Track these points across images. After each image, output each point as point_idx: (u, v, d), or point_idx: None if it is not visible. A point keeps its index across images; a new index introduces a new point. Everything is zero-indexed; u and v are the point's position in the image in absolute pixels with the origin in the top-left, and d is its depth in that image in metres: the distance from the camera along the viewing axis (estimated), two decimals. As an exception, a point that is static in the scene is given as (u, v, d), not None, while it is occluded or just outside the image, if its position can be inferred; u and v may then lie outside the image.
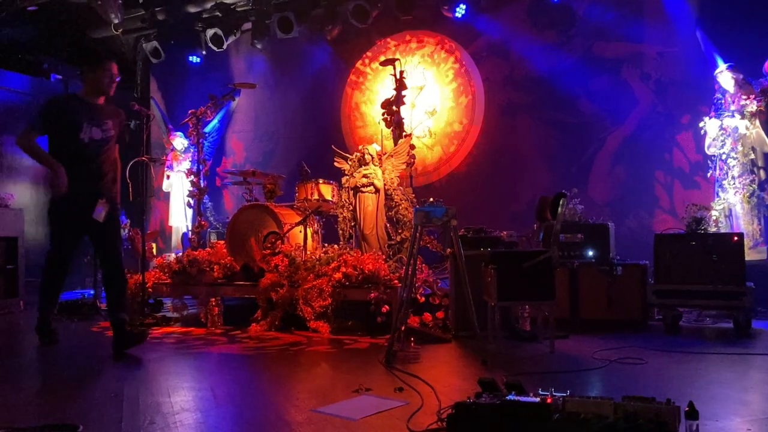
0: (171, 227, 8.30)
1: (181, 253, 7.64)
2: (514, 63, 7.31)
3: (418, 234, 3.78)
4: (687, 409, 2.14)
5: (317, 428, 2.41)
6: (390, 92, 5.70)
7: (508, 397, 2.21)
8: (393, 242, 5.25)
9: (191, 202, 6.10)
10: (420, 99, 7.68)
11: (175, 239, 8.21)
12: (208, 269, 5.37)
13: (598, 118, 6.83)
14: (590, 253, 4.93)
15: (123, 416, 2.60)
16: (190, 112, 6.01)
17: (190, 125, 5.99)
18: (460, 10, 7.26)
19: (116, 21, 7.88)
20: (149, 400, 2.86)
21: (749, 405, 2.70)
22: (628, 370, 3.35)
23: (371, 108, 8.06)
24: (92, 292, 6.34)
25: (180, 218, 8.08)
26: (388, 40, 8.05)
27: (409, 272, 3.79)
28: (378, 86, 8.08)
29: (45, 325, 4.24)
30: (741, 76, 5.59)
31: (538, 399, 2.16)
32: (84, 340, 4.74)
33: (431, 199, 3.72)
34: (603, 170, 6.76)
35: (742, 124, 5.48)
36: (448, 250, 4.45)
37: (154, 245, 7.22)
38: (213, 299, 5.12)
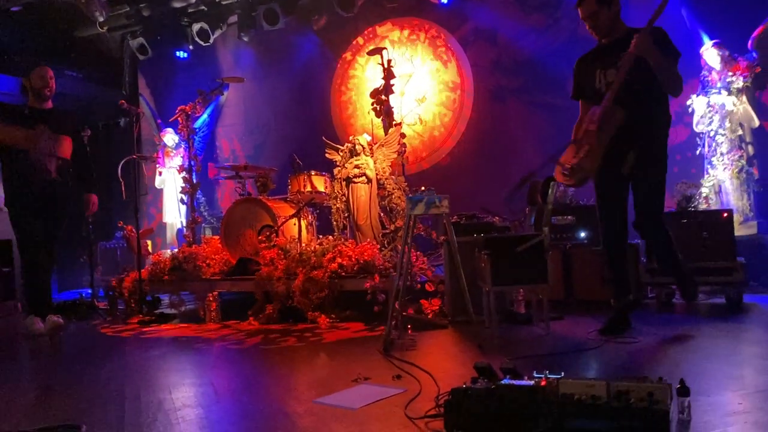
0: (165, 224, 8.31)
1: (176, 249, 7.68)
2: (502, 47, 7.32)
3: (411, 223, 3.80)
4: (678, 386, 2.19)
5: (317, 419, 2.45)
6: (379, 81, 5.71)
7: (503, 381, 2.24)
8: (387, 231, 5.28)
9: (184, 198, 6.11)
10: (409, 87, 7.70)
11: (170, 235, 8.23)
12: (204, 265, 5.40)
13: (586, 100, 6.83)
14: (582, 234, 4.98)
15: (125, 414, 2.64)
16: (179, 108, 6.01)
17: (180, 121, 5.99)
18: (446, -4, 7.25)
19: (101, 19, 7.84)
20: (151, 397, 2.89)
21: (741, 379, 2.75)
22: (623, 350, 3.40)
23: (361, 97, 8.06)
24: (89, 291, 6.36)
25: (174, 214, 8.09)
26: (375, 28, 8.04)
27: (404, 261, 3.82)
28: (367, 75, 8.08)
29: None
30: (727, 53, 5.62)
31: (532, 382, 2.20)
32: (82, 339, 4.75)
33: (423, 188, 3.75)
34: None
35: (729, 101, 5.52)
36: (442, 237, 4.49)
37: (149, 242, 7.23)
38: (210, 294, 5.15)
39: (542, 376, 2.30)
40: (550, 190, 3.82)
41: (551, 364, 3.10)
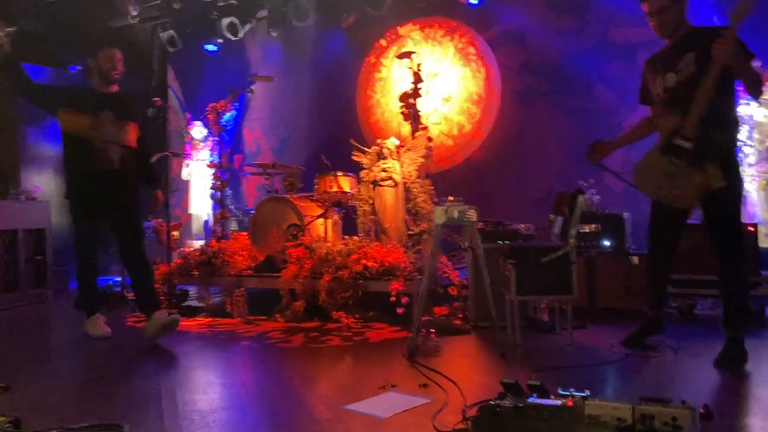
0: (191, 215, 8.46)
1: (202, 241, 7.83)
2: (530, 49, 7.31)
3: (438, 233, 3.88)
4: (702, 410, 2.25)
5: (347, 427, 2.54)
6: (406, 80, 5.75)
7: (530, 399, 2.32)
8: (411, 233, 5.35)
9: (214, 193, 6.25)
10: (435, 86, 7.71)
11: (197, 227, 8.38)
12: (232, 260, 5.52)
13: (613, 104, 6.84)
14: (607, 243, 5.02)
15: (164, 415, 2.75)
16: (210, 106, 6.11)
17: (211, 119, 6.11)
18: (475, -3, 7.25)
19: (134, 13, 7.96)
20: (186, 398, 3.00)
21: (762, 401, 2.79)
22: (646, 364, 3.46)
23: (387, 97, 8.11)
24: (115, 279, 6.51)
25: (200, 206, 8.25)
26: (403, 26, 8.06)
27: (430, 268, 3.90)
28: (393, 74, 8.12)
29: None
30: (759, 63, 5.57)
31: (559, 402, 2.27)
32: (115, 330, 4.75)
33: (451, 198, 3.81)
34: (618, 156, 6.76)
35: (759, 112, 5.49)
36: (466, 244, 4.56)
37: (176, 233, 7.37)
38: (238, 290, 5.26)
39: (568, 393, 2.37)
40: (577, 203, 3.87)
41: (575, 378, 3.17)
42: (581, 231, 4.96)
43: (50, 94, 4.48)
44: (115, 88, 4.46)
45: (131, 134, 4.39)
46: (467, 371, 3.46)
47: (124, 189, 4.38)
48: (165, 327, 4.25)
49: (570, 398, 2.32)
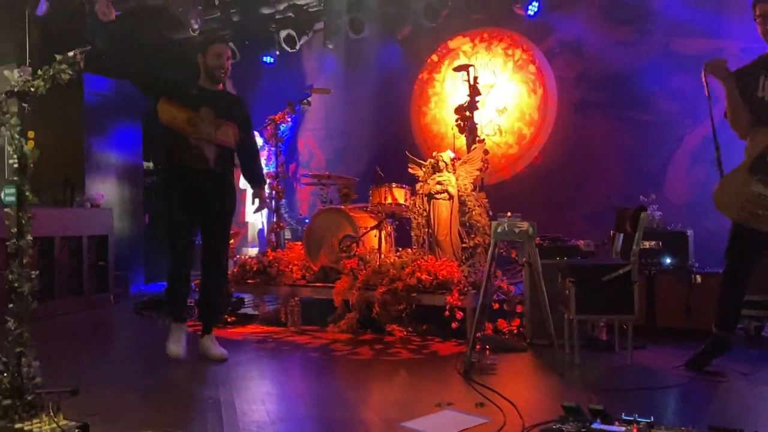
0: (247, 223, 8.62)
1: (256, 248, 7.97)
2: (588, 60, 7.19)
3: (495, 249, 3.84)
4: (776, 443, 2.16)
5: (406, 445, 2.54)
6: (460, 92, 5.72)
7: (594, 425, 2.27)
8: (466, 246, 5.31)
9: (271, 203, 6.36)
10: (490, 97, 7.67)
11: (251, 235, 8.54)
12: (287, 270, 5.60)
13: (675, 117, 6.66)
14: (668, 260, 4.87)
15: (223, 425, 2.80)
16: (269, 118, 6.23)
17: (269, 130, 6.22)
18: (533, 8, 7.17)
19: (196, 26, 8.17)
20: (245, 408, 3.05)
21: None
22: (711, 389, 3.34)
23: (441, 108, 8.12)
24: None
25: (256, 215, 8.38)
26: (458, 38, 8.06)
27: (486, 284, 3.86)
28: (447, 87, 8.11)
29: None
30: None
31: (624, 428, 2.22)
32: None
33: (509, 214, 3.77)
34: (681, 170, 6.59)
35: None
36: (524, 259, 4.49)
37: (233, 242, 7.52)
38: (293, 300, 5.32)
39: (632, 419, 2.32)
40: (640, 219, 3.78)
41: (637, 402, 3.08)
42: (642, 248, 4.84)
43: (155, 83, 4.30)
44: (220, 86, 4.27)
45: (229, 135, 4.12)
46: (524, 391, 3.41)
47: (217, 190, 4.14)
48: (211, 359, 4.11)
49: (635, 425, 2.26)
